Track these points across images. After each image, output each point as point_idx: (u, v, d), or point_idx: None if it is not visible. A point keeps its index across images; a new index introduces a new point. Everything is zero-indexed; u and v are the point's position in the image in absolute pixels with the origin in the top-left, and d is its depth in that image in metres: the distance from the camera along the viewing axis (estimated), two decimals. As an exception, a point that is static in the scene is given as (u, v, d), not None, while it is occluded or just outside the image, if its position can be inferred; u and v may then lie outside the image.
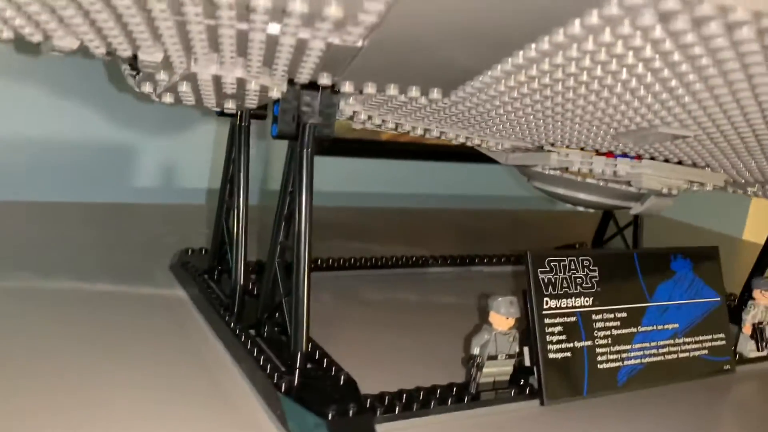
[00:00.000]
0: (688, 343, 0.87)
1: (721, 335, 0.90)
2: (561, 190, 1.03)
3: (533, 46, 0.47)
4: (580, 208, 1.07)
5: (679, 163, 0.96)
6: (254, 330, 0.81)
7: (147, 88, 0.69)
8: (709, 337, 0.89)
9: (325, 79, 0.63)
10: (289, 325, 0.71)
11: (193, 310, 0.91)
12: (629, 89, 0.57)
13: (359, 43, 0.49)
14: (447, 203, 1.94)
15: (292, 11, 0.41)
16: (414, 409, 0.68)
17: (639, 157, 0.94)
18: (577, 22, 0.42)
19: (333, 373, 0.69)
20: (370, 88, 0.63)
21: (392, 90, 0.63)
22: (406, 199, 1.93)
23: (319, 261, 1.13)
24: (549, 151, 0.93)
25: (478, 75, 0.57)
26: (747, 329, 0.95)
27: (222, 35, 0.49)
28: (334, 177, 1.83)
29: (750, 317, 0.95)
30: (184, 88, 0.65)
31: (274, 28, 0.46)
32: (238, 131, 0.89)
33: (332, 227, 1.50)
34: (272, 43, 0.50)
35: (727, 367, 0.90)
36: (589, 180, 0.97)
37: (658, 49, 0.45)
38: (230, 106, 0.73)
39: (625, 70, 0.51)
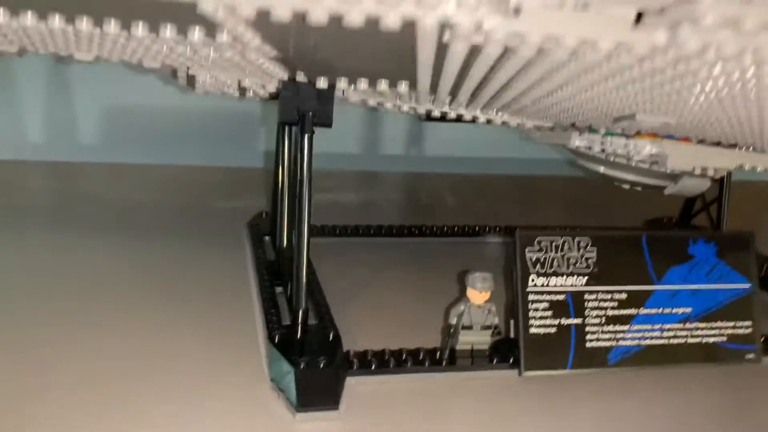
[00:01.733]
0: (702, 329, 0.86)
1: (748, 323, 0.88)
2: (601, 169, 1.03)
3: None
4: (626, 186, 1.06)
5: (718, 144, 0.92)
6: (284, 287, 0.93)
7: (180, 81, 0.83)
8: (731, 324, 0.87)
9: (302, 77, 0.72)
10: (291, 285, 0.82)
11: (250, 266, 1.06)
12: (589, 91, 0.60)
13: (279, 54, 0.58)
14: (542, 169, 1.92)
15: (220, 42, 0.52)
16: (390, 366, 0.77)
17: (687, 138, 0.92)
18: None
19: (324, 330, 0.80)
20: (342, 83, 0.71)
21: (362, 84, 0.71)
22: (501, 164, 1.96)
23: (374, 229, 1.24)
24: (571, 131, 0.94)
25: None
26: (786, 320, 0.91)
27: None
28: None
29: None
30: (200, 82, 0.78)
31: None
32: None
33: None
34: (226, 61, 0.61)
35: (751, 356, 0.87)
36: (618, 159, 0.96)
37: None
38: (251, 95, 0.84)
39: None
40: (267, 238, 1.13)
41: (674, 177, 0.96)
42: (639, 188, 1.05)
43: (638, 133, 0.94)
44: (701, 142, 0.91)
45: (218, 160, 1.78)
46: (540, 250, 0.82)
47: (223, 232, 1.21)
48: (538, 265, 0.82)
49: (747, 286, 0.88)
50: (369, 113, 1.95)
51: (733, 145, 0.91)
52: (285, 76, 0.73)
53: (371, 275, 1.08)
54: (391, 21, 0.39)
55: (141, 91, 1.71)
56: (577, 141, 0.93)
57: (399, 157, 2.04)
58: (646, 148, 0.89)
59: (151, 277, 1.00)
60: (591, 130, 0.97)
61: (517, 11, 0.40)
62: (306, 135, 0.79)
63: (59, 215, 1.27)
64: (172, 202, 1.41)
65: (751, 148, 0.91)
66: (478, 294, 0.78)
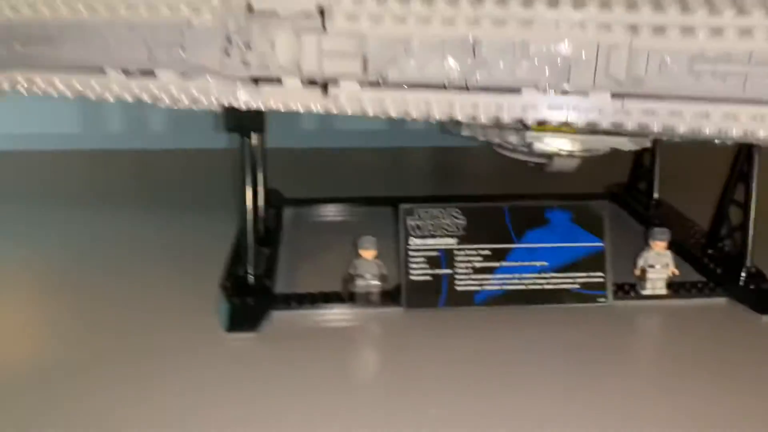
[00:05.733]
0: (558, 278, 1.10)
1: (599, 274, 1.10)
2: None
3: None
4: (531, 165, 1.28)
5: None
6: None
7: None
8: (584, 274, 1.10)
9: None
10: (242, 244, 1.14)
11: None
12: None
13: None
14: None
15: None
16: (305, 304, 1.08)
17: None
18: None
19: (264, 278, 1.12)
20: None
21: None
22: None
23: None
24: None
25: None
26: (636, 271, 1.12)
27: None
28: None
29: (641, 261, 1.11)
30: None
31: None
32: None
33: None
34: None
35: (602, 299, 1.10)
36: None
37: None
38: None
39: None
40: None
41: (548, 157, 1.18)
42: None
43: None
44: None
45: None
46: (419, 218, 1.09)
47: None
48: (417, 230, 1.09)
49: (599, 244, 1.11)
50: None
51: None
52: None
53: (335, 238, 1.38)
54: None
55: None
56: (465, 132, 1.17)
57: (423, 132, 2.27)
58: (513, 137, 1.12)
59: (152, 244, 1.36)
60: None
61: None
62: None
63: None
64: (191, 182, 1.77)
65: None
66: (366, 252, 1.06)
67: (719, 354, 0.99)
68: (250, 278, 1.11)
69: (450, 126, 1.19)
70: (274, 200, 1.48)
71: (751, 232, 1.13)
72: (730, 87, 0.83)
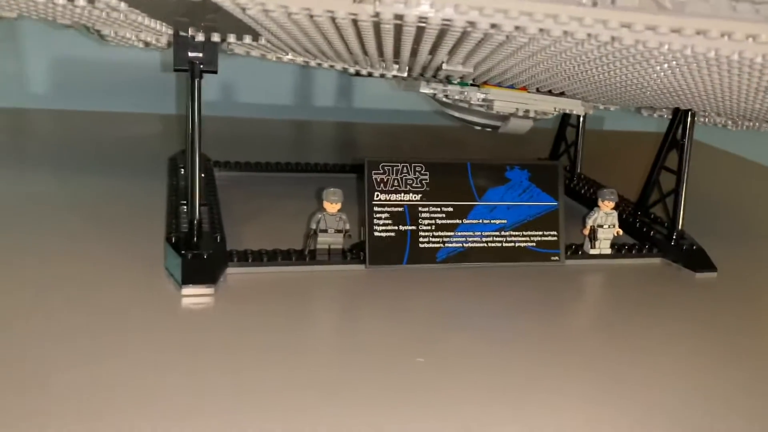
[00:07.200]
0: (515, 236, 1.10)
1: (553, 233, 1.12)
2: (456, 114, 1.25)
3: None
4: (477, 128, 1.29)
5: (549, 92, 1.15)
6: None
7: (93, 35, 1.02)
8: (540, 233, 1.11)
9: (200, 36, 0.93)
10: (188, 201, 1.03)
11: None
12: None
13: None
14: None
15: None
16: (263, 260, 1.00)
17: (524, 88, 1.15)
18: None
19: (212, 234, 1.02)
20: (231, 38, 0.93)
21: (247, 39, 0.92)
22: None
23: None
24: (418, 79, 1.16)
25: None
26: (585, 231, 1.15)
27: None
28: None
29: (591, 221, 1.15)
30: (109, 37, 0.98)
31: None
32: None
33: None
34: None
35: (556, 258, 1.12)
36: (463, 104, 1.19)
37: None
38: (153, 46, 1.04)
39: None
40: (182, 169, 1.33)
41: (504, 118, 1.19)
42: (488, 129, 1.28)
43: (484, 83, 1.16)
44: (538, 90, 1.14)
45: (159, 108, 1.98)
46: (384, 173, 1.05)
47: (152, 167, 1.41)
48: (382, 185, 1.05)
49: (554, 204, 1.13)
50: (302, 70, 2.16)
51: (560, 93, 1.14)
52: (169, 32, 0.93)
53: (268, 201, 1.30)
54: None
55: (87, 44, 1.89)
56: (424, 89, 1.15)
57: (329, 108, 2.25)
58: (476, 94, 1.12)
59: (82, 202, 1.21)
60: (446, 80, 1.19)
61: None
62: (195, 80, 1.00)
63: (8, 153, 1.46)
64: (113, 143, 1.61)
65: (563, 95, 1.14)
66: (331, 205, 1.00)
67: (660, 302, 1.05)
68: (199, 231, 1.00)
69: (412, 83, 1.17)
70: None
71: (683, 197, 1.20)
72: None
